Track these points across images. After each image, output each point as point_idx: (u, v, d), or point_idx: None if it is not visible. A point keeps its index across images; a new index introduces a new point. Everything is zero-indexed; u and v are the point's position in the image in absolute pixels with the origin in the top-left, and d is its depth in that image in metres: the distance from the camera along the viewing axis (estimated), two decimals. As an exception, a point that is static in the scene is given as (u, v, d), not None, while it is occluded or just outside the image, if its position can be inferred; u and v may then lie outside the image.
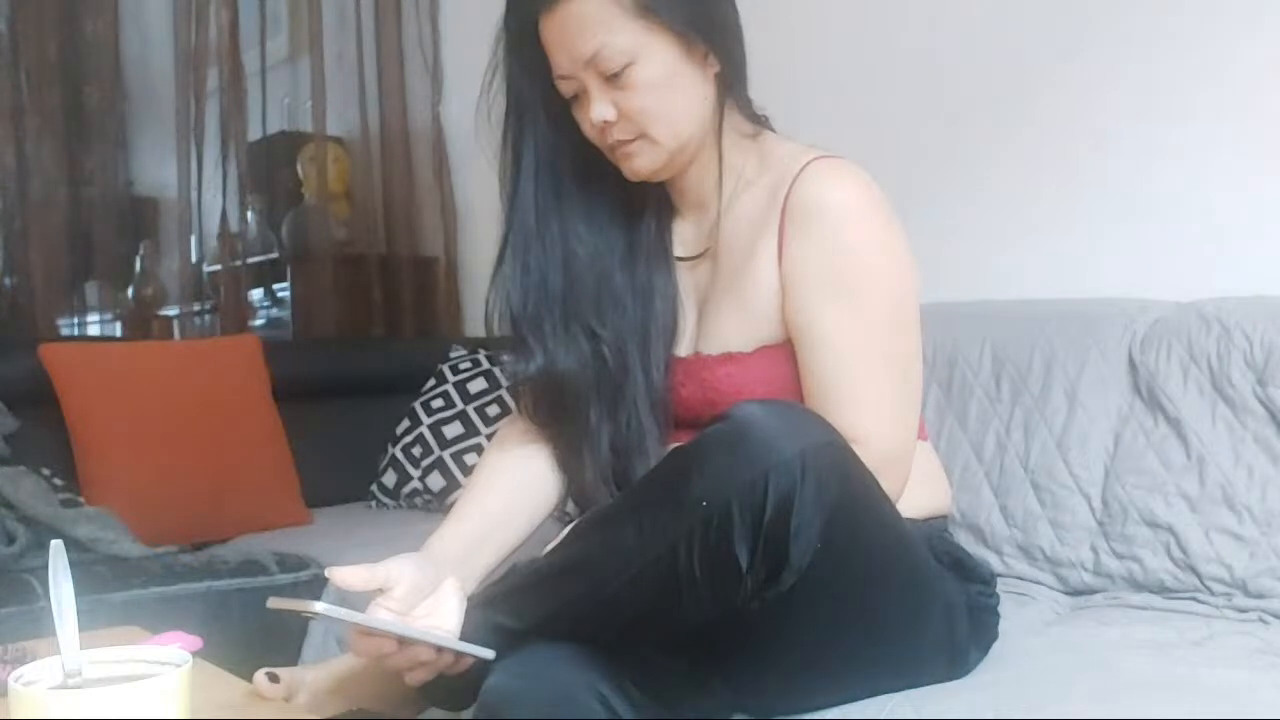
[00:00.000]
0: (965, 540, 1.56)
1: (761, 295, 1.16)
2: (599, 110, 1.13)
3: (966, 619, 1.12)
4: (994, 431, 1.62)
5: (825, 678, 1.05)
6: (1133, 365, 1.53)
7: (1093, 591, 1.48)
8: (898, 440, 1.13)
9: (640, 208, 1.26)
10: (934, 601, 1.08)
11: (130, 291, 3.10)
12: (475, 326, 2.93)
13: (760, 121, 1.24)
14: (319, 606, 0.94)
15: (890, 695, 1.06)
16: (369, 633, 1.00)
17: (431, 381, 2.45)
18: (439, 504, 2.25)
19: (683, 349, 1.23)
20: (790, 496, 0.90)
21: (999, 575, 1.41)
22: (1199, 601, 1.37)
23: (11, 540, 1.76)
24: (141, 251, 3.14)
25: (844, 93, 2.08)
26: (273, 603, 1.00)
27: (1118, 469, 1.50)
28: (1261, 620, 1.31)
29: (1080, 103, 1.80)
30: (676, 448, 0.99)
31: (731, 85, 1.19)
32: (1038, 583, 1.52)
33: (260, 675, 1.09)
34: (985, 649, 1.16)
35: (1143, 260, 1.72)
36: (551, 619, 1.00)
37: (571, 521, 1.10)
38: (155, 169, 3.04)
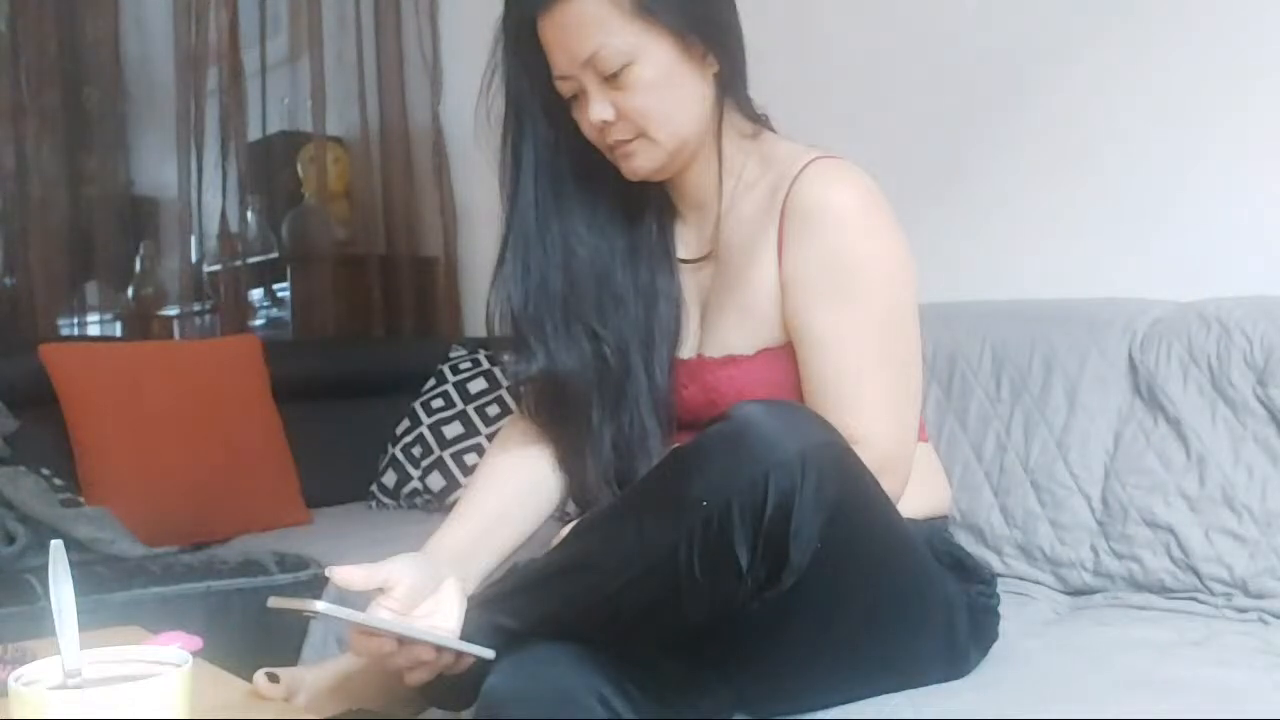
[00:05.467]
0: (965, 540, 1.56)
1: (762, 297, 1.16)
2: (598, 110, 1.13)
3: (967, 619, 1.12)
4: (994, 431, 1.62)
5: (825, 678, 1.05)
6: (1133, 365, 1.53)
7: (1093, 591, 1.48)
8: (898, 440, 1.13)
9: (641, 209, 1.26)
10: (934, 602, 1.08)
11: (130, 291, 3.09)
12: (475, 326, 2.93)
13: (760, 121, 1.24)
14: (319, 605, 0.94)
15: (890, 695, 1.06)
16: (369, 632, 1.00)
17: (431, 381, 2.45)
18: (439, 504, 2.25)
19: (686, 351, 1.23)
20: (790, 496, 0.90)
21: (999, 575, 1.41)
22: (1199, 601, 1.37)
23: (11, 540, 1.76)
24: (141, 251, 3.13)
25: (845, 92, 2.08)
26: (273, 602, 1.00)
27: (1118, 469, 1.50)
28: (1261, 620, 1.31)
29: (1081, 104, 1.80)
30: (676, 448, 0.99)
31: (730, 85, 1.19)
32: (1038, 583, 1.52)
33: (260, 675, 1.09)
34: (985, 649, 1.16)
35: (1143, 260, 1.72)
36: (552, 619, 1.00)
37: (572, 522, 1.10)
38: (155, 169, 3.04)
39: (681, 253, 1.27)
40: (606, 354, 1.21)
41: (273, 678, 1.09)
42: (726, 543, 0.91)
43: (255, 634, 1.58)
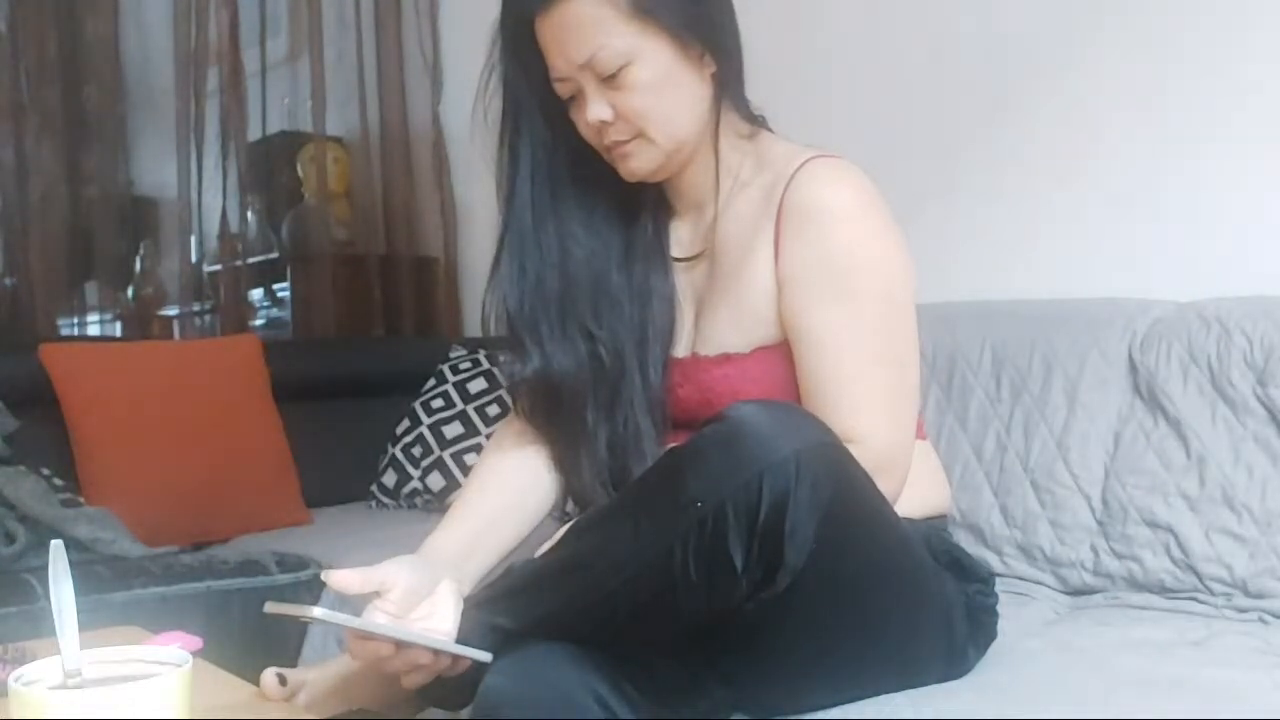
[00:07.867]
0: (965, 540, 1.56)
1: (758, 296, 1.16)
2: (596, 111, 1.13)
3: (965, 619, 1.12)
4: (994, 431, 1.62)
5: (823, 678, 1.05)
6: (1133, 365, 1.53)
7: (1093, 591, 1.48)
8: (895, 440, 1.12)
9: (637, 209, 1.26)
10: (932, 601, 1.08)
11: (130, 291, 3.09)
12: (475, 326, 2.92)
13: (757, 122, 1.24)
14: (316, 612, 0.94)
15: (890, 695, 1.06)
16: (366, 636, 1.00)
17: (431, 381, 2.45)
18: (439, 504, 2.25)
19: (680, 350, 1.23)
20: (785, 497, 0.90)
21: (999, 575, 1.41)
22: (1199, 601, 1.37)
23: (11, 540, 1.76)
24: (141, 251, 3.14)
25: (845, 93, 2.08)
26: (270, 607, 0.99)
27: (1118, 469, 1.50)
28: (1261, 620, 1.31)
29: (1081, 103, 1.80)
30: (672, 448, 0.99)
31: (728, 85, 1.19)
32: (1038, 583, 1.52)
33: (271, 675, 1.09)
34: (984, 649, 1.16)
35: (1143, 260, 1.72)
36: (548, 619, 1.00)
37: (571, 521, 1.10)
38: (155, 169, 3.04)
39: (675, 251, 1.26)
40: (602, 354, 1.21)
41: (282, 680, 1.09)
42: (721, 543, 0.91)
43: (255, 634, 1.58)
